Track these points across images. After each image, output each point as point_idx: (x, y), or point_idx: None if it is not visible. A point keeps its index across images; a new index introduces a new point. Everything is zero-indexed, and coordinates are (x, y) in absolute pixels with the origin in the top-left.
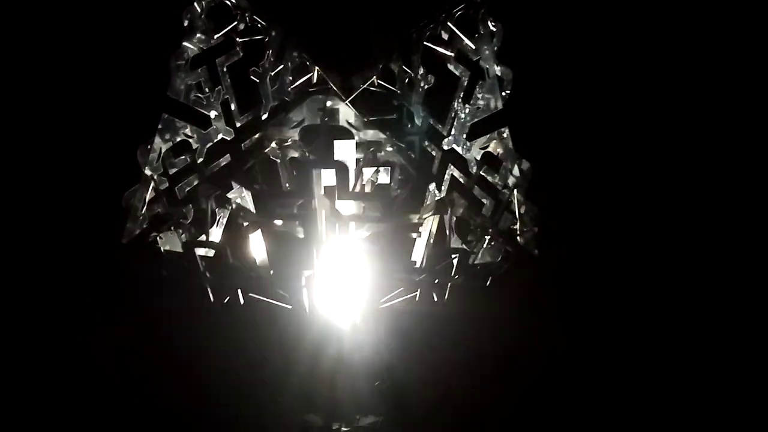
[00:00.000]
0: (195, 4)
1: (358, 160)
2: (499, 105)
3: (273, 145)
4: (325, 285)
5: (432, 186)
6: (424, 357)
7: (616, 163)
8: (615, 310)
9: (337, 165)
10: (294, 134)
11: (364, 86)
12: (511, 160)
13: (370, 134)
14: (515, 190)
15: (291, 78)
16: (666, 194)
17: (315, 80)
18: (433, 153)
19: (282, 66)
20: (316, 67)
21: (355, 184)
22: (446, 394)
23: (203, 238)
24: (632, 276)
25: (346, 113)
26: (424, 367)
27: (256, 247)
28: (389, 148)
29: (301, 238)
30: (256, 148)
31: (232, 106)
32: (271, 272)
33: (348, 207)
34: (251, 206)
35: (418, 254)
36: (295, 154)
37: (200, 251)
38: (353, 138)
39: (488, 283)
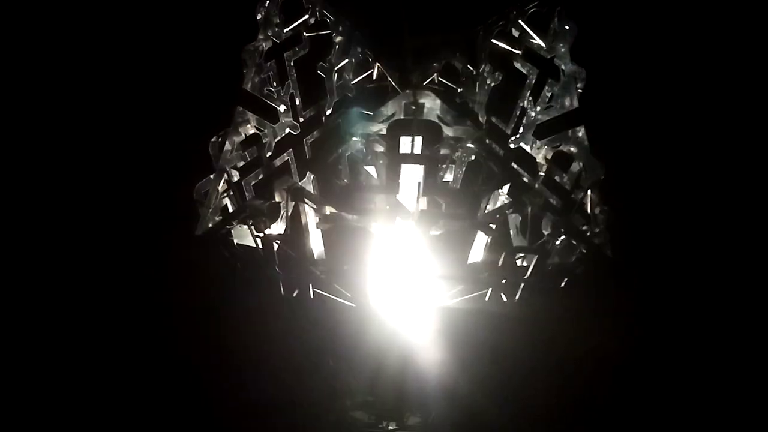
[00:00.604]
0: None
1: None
2: (575, 103)
3: (355, 139)
4: (392, 283)
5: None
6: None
7: (687, 163)
8: (689, 313)
9: (426, 159)
10: (380, 128)
11: (424, 83)
12: (586, 159)
13: (459, 129)
14: (589, 191)
15: (353, 73)
16: (741, 194)
17: (375, 76)
18: (500, 152)
19: (346, 61)
20: (377, 63)
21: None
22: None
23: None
24: (705, 278)
25: (433, 107)
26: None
27: (323, 242)
28: (470, 145)
29: (372, 233)
30: (338, 142)
31: (297, 101)
32: (343, 267)
33: (423, 205)
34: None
35: (488, 254)
36: (381, 149)
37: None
38: (442, 132)
39: (562, 284)
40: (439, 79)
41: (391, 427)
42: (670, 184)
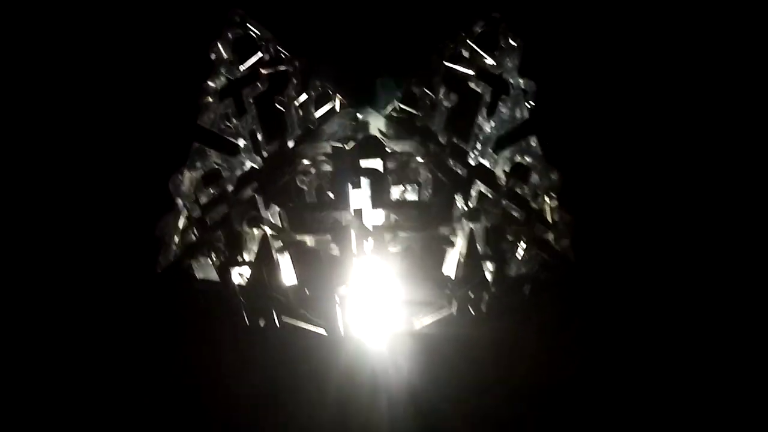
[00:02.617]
0: (221, 38)
1: (389, 173)
2: (525, 115)
3: (305, 162)
4: (358, 305)
5: (459, 198)
6: (458, 382)
7: (641, 167)
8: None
9: (372, 174)
10: (326, 148)
11: (388, 112)
12: (541, 168)
13: (402, 145)
14: (547, 199)
15: (314, 106)
16: (695, 199)
17: (338, 107)
18: (459, 171)
19: (306, 95)
20: (338, 96)
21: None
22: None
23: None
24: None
25: (377, 124)
26: (458, 392)
27: (288, 269)
28: (420, 159)
29: (333, 256)
30: (288, 166)
31: (259, 137)
32: (306, 292)
33: (379, 220)
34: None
35: (451, 268)
36: (329, 168)
37: (235, 277)
38: (385, 148)
39: (526, 295)
40: (401, 106)
41: None
42: (632, 187)
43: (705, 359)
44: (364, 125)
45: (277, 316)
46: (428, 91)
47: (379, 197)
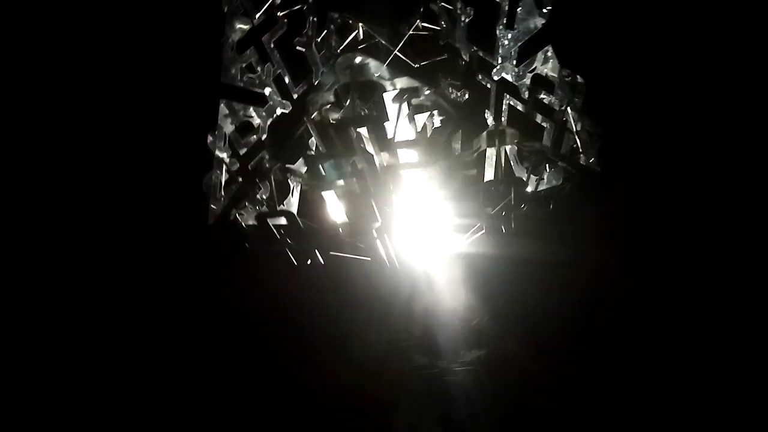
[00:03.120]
0: None
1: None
2: (538, 24)
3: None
4: (398, 235)
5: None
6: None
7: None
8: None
9: (371, 120)
10: (328, 97)
11: (411, 31)
12: (560, 77)
13: (403, 81)
14: (569, 108)
15: (336, 40)
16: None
17: (361, 37)
18: (487, 85)
19: (326, 30)
20: (360, 24)
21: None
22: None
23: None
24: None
25: (376, 66)
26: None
27: (330, 207)
28: (427, 92)
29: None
30: (298, 117)
31: (286, 79)
32: (340, 229)
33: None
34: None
35: (478, 189)
36: (336, 115)
37: (278, 220)
38: (384, 90)
39: (551, 207)
40: (423, 24)
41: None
42: (658, 97)
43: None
44: (363, 69)
45: (320, 254)
46: (447, 6)
47: (383, 141)
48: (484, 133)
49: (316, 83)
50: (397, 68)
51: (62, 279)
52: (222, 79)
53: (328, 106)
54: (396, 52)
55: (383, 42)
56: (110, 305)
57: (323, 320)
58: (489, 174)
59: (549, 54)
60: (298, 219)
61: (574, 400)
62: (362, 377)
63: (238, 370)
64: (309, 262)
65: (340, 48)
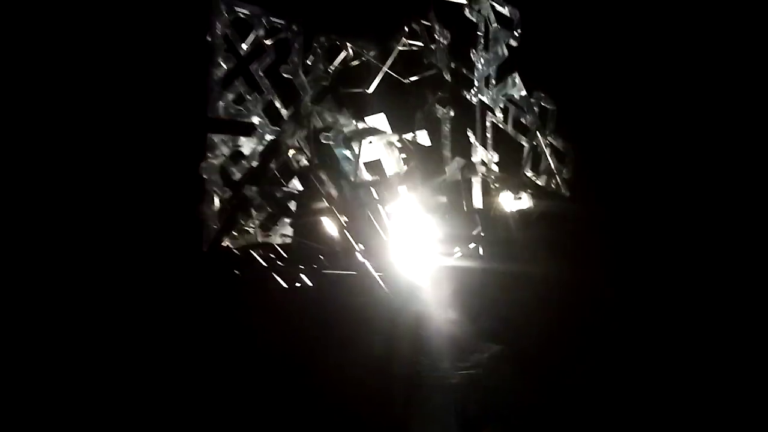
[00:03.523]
0: (211, 28)
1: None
2: (505, 52)
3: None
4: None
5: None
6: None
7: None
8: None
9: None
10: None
11: (399, 47)
12: (526, 103)
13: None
14: (537, 132)
15: (323, 63)
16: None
17: (351, 55)
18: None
19: (312, 56)
20: (348, 44)
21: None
22: None
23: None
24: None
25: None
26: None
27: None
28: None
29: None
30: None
31: (278, 104)
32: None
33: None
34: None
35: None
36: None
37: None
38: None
39: (515, 231)
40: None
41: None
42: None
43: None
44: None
45: (306, 276)
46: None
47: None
48: (454, 161)
49: (304, 104)
50: (388, 84)
51: (59, 295)
52: (209, 114)
53: (293, 152)
54: (385, 68)
55: (372, 60)
56: (107, 326)
57: (324, 331)
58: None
59: (517, 80)
60: (295, 238)
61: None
62: (369, 381)
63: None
64: (298, 285)
65: (330, 68)
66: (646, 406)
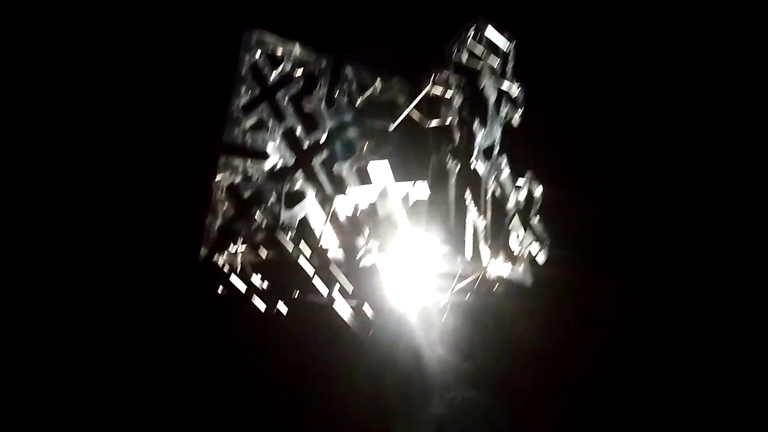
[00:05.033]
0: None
1: None
2: (498, 134)
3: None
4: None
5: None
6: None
7: None
8: None
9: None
10: None
11: (428, 89)
12: (508, 186)
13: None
14: (515, 216)
15: (347, 98)
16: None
17: (379, 90)
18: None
19: (338, 89)
20: (378, 78)
21: None
22: None
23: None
24: None
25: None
26: None
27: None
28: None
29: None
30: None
31: (298, 131)
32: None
33: None
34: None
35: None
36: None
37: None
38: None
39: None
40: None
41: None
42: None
43: None
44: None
45: (284, 304)
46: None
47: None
48: None
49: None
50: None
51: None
52: (224, 139)
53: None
54: (410, 108)
55: (399, 99)
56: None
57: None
58: None
59: (502, 164)
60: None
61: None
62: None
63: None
64: (274, 309)
65: (358, 102)
66: None
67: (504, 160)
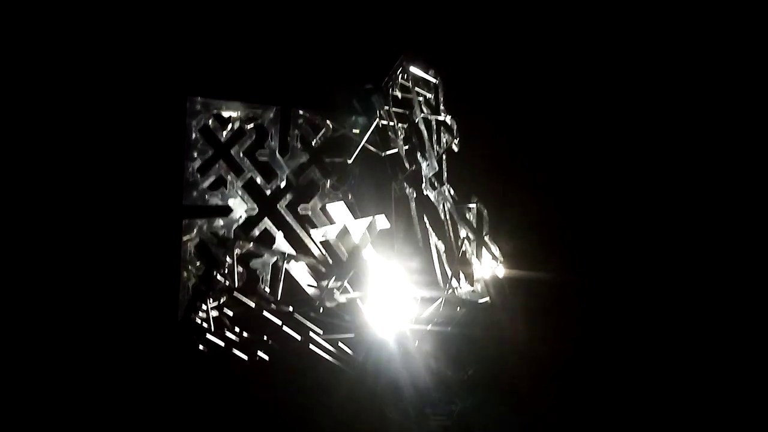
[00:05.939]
0: (187, 129)
1: None
2: (435, 165)
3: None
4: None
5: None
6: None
7: None
8: None
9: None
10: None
11: (377, 122)
12: (457, 212)
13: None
14: (467, 241)
15: (301, 141)
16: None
17: (330, 133)
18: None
19: (290, 135)
20: (327, 121)
21: None
22: None
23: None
24: None
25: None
26: None
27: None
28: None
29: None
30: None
31: (258, 180)
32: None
33: None
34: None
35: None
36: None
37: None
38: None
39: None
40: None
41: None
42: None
43: None
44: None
45: (263, 353)
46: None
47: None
48: None
49: (282, 184)
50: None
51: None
52: (183, 202)
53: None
54: (363, 142)
55: (351, 134)
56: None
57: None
58: None
59: (446, 193)
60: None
61: None
62: None
63: None
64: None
65: (314, 142)
66: None
67: (447, 186)
